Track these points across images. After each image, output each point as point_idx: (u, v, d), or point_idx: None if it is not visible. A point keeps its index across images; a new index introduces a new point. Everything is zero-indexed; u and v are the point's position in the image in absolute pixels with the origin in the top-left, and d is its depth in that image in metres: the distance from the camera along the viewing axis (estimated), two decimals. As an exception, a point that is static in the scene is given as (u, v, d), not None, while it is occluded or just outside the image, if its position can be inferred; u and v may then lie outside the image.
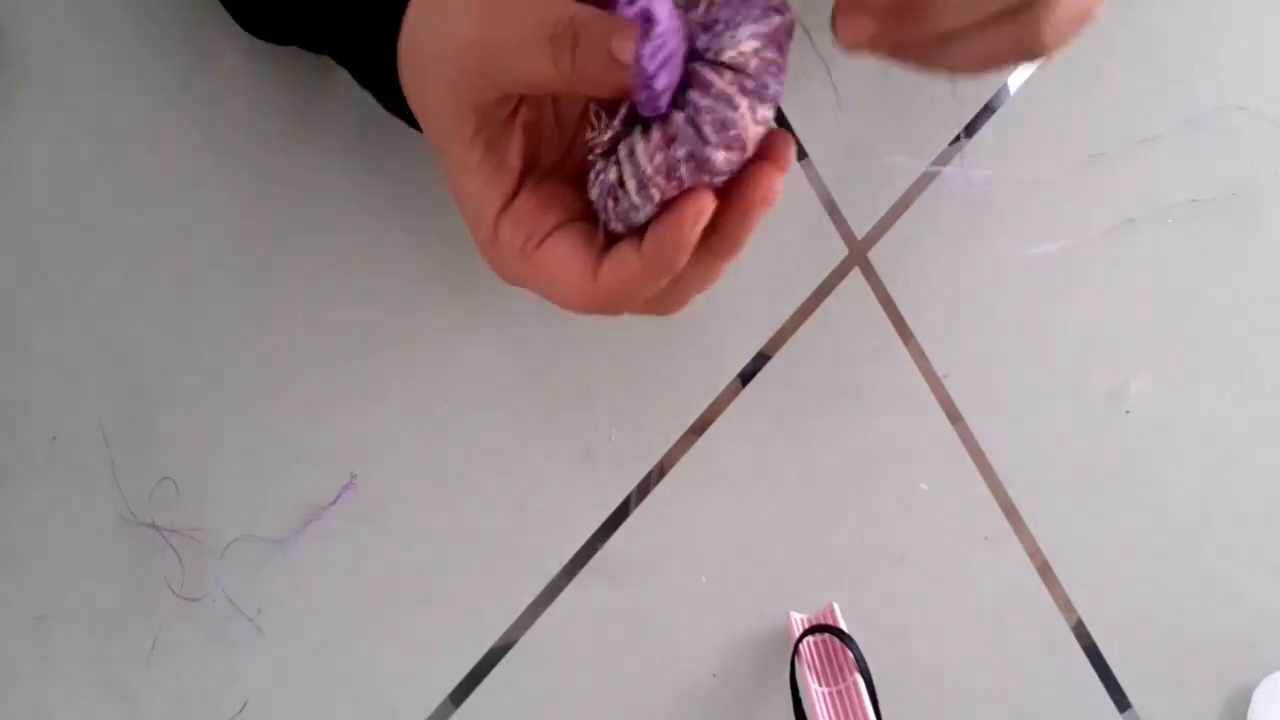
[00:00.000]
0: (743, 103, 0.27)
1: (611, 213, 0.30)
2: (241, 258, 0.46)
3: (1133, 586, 0.45)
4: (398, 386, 0.45)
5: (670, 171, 0.28)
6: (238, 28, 0.46)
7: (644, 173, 0.28)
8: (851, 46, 0.30)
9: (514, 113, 0.32)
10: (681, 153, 0.28)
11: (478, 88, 0.31)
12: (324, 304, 0.45)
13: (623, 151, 0.29)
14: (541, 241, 0.32)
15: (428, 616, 0.43)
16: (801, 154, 0.48)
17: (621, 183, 0.29)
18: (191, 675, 0.43)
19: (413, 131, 0.46)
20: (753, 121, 0.27)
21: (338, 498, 0.44)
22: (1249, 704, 0.43)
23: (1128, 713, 0.44)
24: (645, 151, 0.28)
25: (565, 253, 0.32)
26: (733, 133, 0.27)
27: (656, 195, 0.28)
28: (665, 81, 0.27)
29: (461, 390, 0.45)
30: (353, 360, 0.45)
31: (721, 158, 0.28)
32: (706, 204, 0.28)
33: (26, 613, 0.43)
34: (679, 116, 0.28)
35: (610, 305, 0.32)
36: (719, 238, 0.30)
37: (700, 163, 0.28)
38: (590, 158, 0.31)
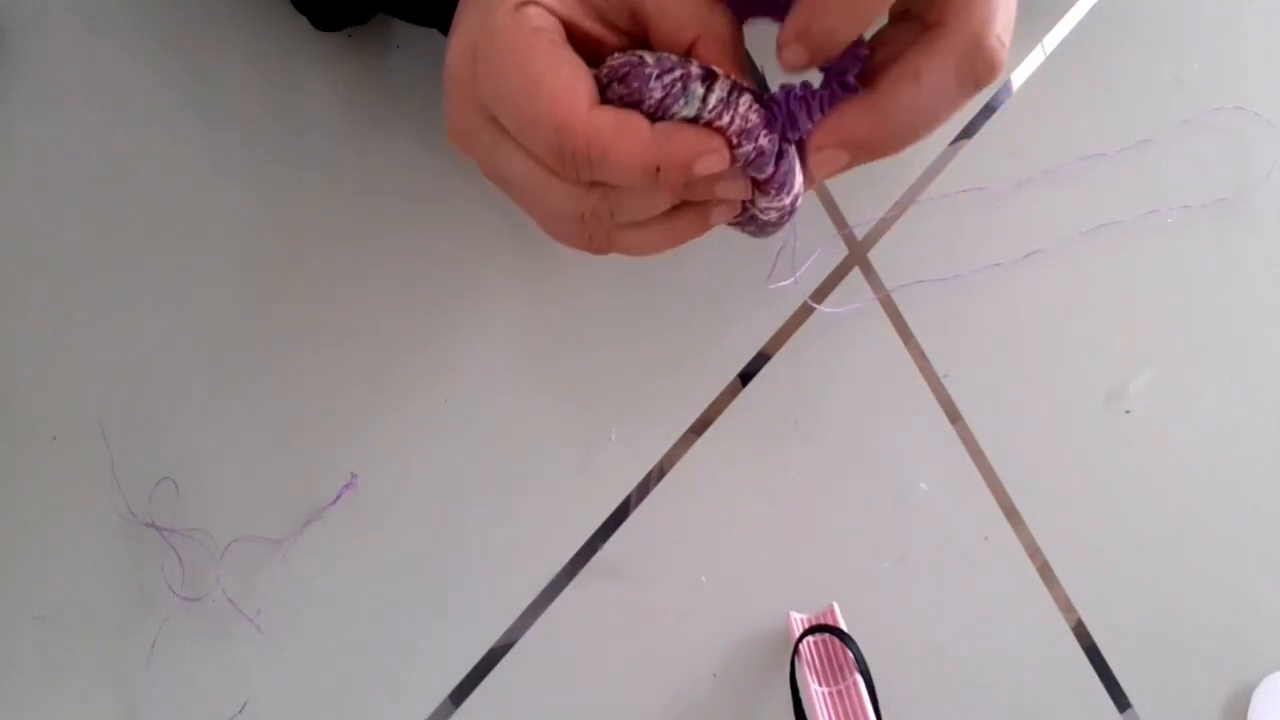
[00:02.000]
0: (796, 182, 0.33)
1: (628, 76, 0.30)
2: (242, 257, 0.46)
3: (1133, 586, 0.45)
4: (398, 386, 0.45)
5: (745, 130, 0.31)
6: (239, 27, 0.46)
7: (736, 107, 0.31)
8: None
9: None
10: (764, 140, 0.31)
11: None
12: (324, 303, 0.45)
13: (725, 82, 0.31)
14: (554, 43, 0.30)
15: (428, 616, 0.43)
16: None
17: (693, 81, 0.30)
18: (191, 675, 0.43)
19: (413, 131, 0.46)
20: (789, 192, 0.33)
21: (338, 498, 0.44)
22: (1249, 704, 0.43)
23: (1128, 713, 0.44)
24: (747, 102, 0.31)
25: (578, 68, 0.30)
26: (785, 181, 0.32)
27: (720, 118, 0.31)
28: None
29: (461, 390, 0.45)
30: (353, 360, 0.45)
31: (765, 166, 0.32)
32: (725, 163, 0.31)
33: (26, 613, 0.43)
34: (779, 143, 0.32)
35: (591, 139, 0.29)
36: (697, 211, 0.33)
37: (756, 150, 0.31)
38: (630, 54, 0.31)
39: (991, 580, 0.44)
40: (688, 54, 0.31)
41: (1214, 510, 0.45)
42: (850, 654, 0.41)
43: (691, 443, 0.45)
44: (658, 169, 0.30)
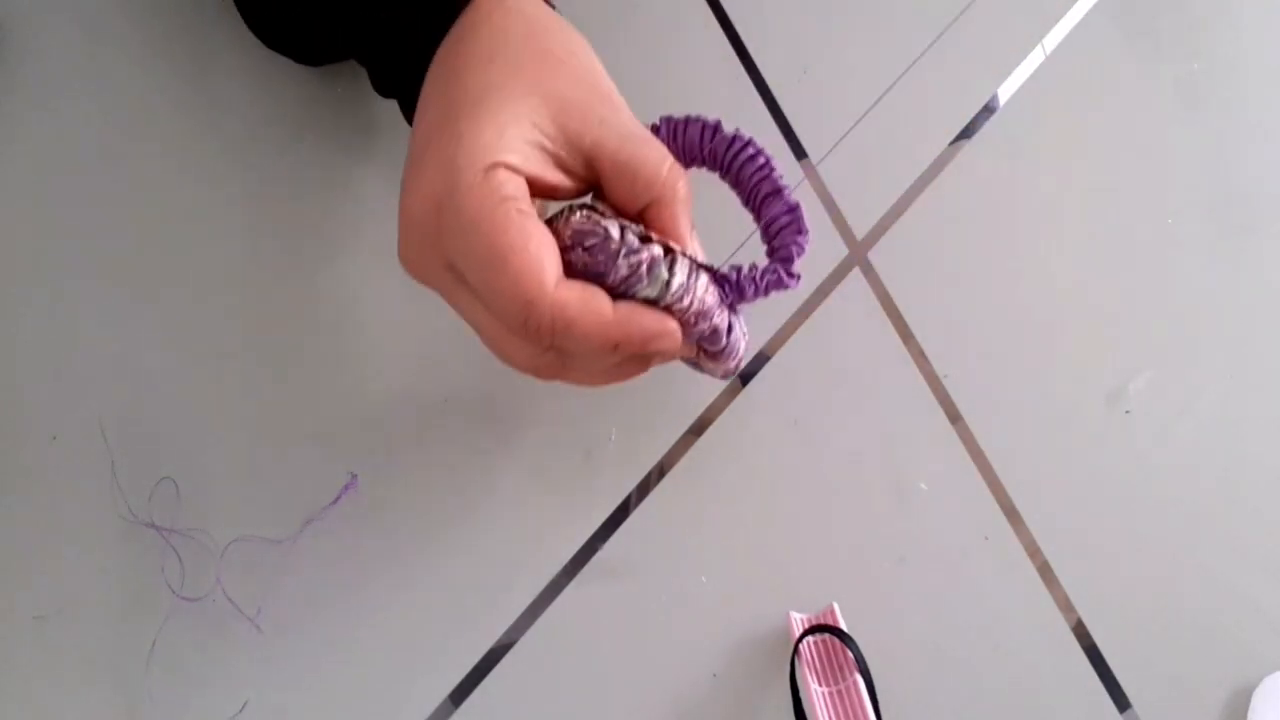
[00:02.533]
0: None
1: (594, 248, 0.32)
2: (242, 257, 0.46)
3: (1133, 586, 0.45)
4: (398, 386, 0.45)
5: (703, 311, 0.33)
6: (238, 29, 0.46)
7: (695, 289, 0.33)
8: None
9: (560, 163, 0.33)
10: (718, 319, 0.34)
11: (583, 123, 0.32)
12: (324, 303, 0.45)
13: (684, 262, 0.33)
14: (524, 212, 0.31)
15: (428, 616, 0.43)
16: (801, 153, 0.48)
17: (659, 265, 0.32)
18: (191, 675, 0.43)
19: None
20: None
21: (338, 498, 0.44)
22: (1249, 704, 0.43)
23: (1128, 713, 0.44)
24: (705, 284, 0.33)
25: (547, 241, 0.31)
26: (733, 350, 0.36)
27: (681, 301, 0.33)
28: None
29: (461, 390, 0.45)
30: (353, 360, 0.45)
31: (718, 341, 0.35)
32: (678, 345, 0.33)
33: (26, 613, 0.43)
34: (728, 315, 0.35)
35: (556, 316, 0.31)
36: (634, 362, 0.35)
37: (710, 329, 0.34)
38: (591, 214, 0.33)
39: (991, 580, 0.44)
40: (639, 215, 0.33)
41: (1214, 510, 0.45)
42: (850, 654, 0.41)
43: (691, 443, 0.45)
44: (616, 346, 0.32)
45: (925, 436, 0.45)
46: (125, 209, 0.46)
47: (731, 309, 0.35)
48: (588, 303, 0.31)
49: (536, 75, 0.32)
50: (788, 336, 0.46)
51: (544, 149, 0.32)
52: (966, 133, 0.48)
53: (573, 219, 0.32)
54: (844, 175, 0.48)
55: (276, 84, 0.46)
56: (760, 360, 0.46)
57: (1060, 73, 0.49)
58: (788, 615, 0.43)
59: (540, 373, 0.34)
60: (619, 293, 0.32)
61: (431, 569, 0.44)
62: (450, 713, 0.43)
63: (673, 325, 0.33)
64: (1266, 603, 0.44)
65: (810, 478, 0.45)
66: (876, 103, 0.49)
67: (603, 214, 0.33)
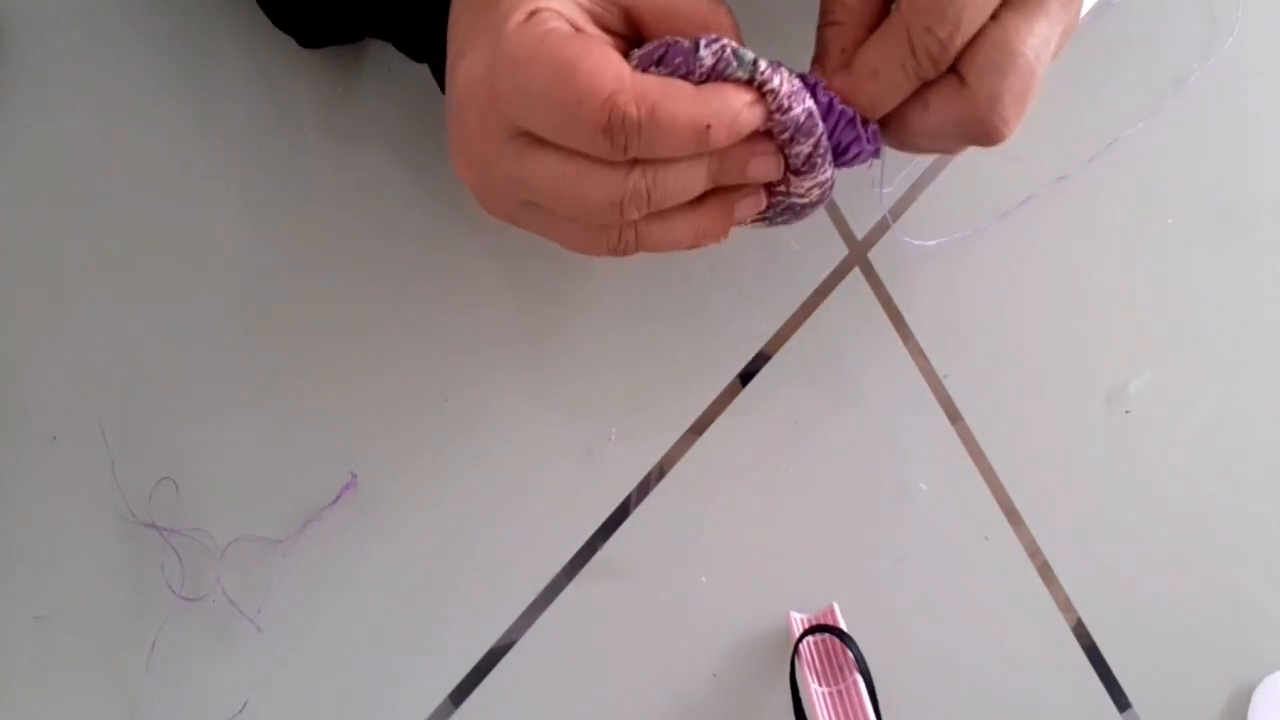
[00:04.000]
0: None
1: (667, 56, 0.31)
2: (242, 257, 0.46)
3: (1133, 586, 0.45)
4: (398, 386, 0.45)
5: (791, 95, 0.31)
6: (238, 28, 0.46)
7: (780, 75, 0.31)
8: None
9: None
10: (800, 112, 0.32)
11: None
12: (324, 303, 0.45)
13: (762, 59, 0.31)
14: (577, 35, 0.30)
15: (428, 616, 0.43)
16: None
17: (741, 50, 0.31)
18: (191, 675, 0.43)
19: (413, 131, 0.46)
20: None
21: (338, 498, 0.44)
22: (1249, 704, 0.43)
23: (1128, 713, 0.44)
24: (786, 75, 0.32)
25: (603, 47, 0.30)
26: (826, 152, 0.34)
27: (772, 80, 0.31)
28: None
29: (461, 390, 0.45)
30: (353, 360, 0.45)
31: (814, 129, 0.33)
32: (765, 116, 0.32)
33: (26, 613, 0.43)
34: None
35: (639, 101, 0.29)
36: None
37: (793, 125, 0.32)
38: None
39: (991, 580, 0.44)
40: None
41: (1214, 510, 0.45)
42: (850, 654, 0.41)
43: (691, 443, 0.45)
44: (708, 126, 0.30)
45: (925, 436, 0.45)
46: (125, 208, 0.46)
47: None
48: (667, 85, 0.30)
49: None
50: (788, 336, 0.46)
51: (581, 5, 0.31)
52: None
53: (633, 51, 0.32)
54: (844, 175, 0.48)
55: (278, 83, 0.46)
56: (760, 360, 0.46)
57: (1059, 72, 0.49)
58: (788, 615, 0.43)
59: (621, 234, 0.33)
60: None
61: (431, 569, 0.44)
62: (450, 713, 0.43)
63: (756, 95, 0.31)
64: (1266, 603, 0.44)
65: (810, 478, 0.45)
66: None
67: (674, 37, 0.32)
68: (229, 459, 0.44)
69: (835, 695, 0.41)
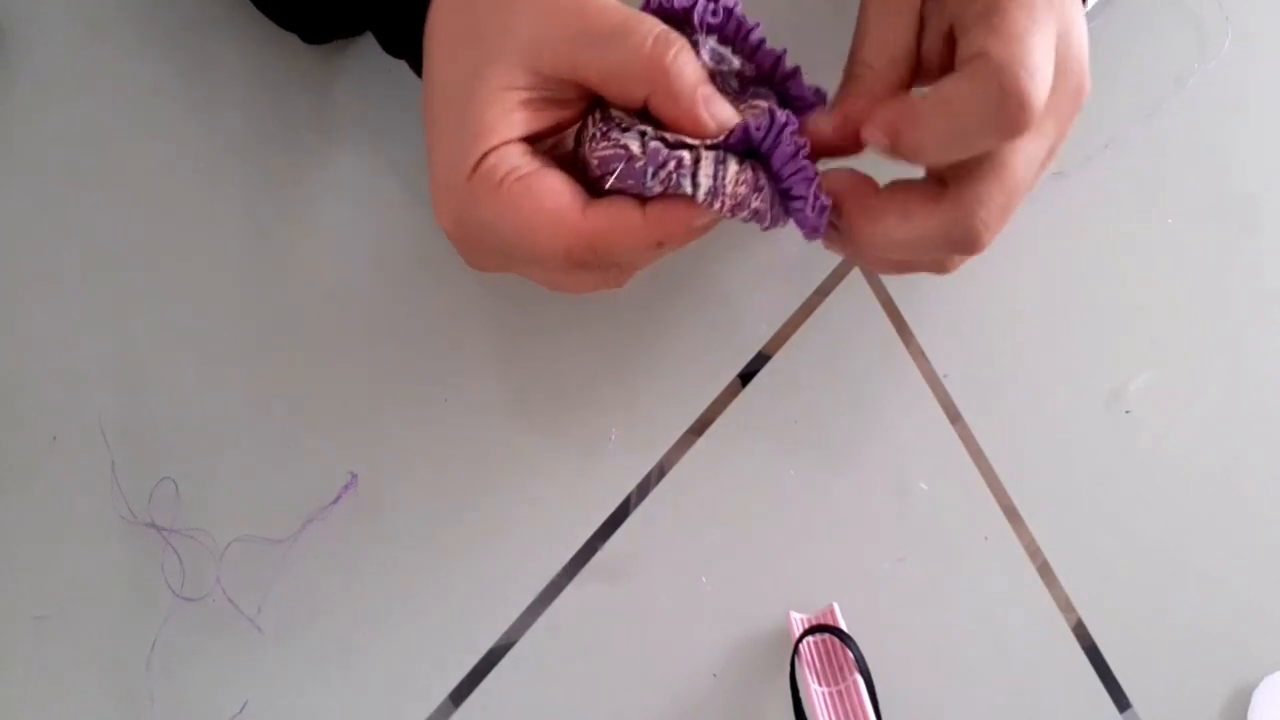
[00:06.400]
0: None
1: (621, 173, 0.32)
2: (242, 256, 0.46)
3: (1133, 586, 0.45)
4: (398, 386, 0.45)
5: (736, 204, 0.33)
6: (237, 27, 0.46)
7: (724, 188, 0.32)
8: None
9: (564, 103, 0.33)
10: (757, 202, 0.33)
11: (555, 54, 0.32)
12: (324, 303, 0.45)
13: (709, 157, 0.32)
14: (524, 176, 0.32)
15: (428, 616, 0.43)
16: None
17: (684, 166, 0.32)
18: (191, 675, 0.43)
19: (412, 131, 0.46)
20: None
21: (338, 498, 0.44)
22: (1249, 704, 0.43)
23: (1128, 713, 0.44)
24: (733, 176, 0.33)
25: (555, 183, 0.32)
26: (777, 221, 0.35)
27: (715, 205, 0.33)
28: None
29: (461, 390, 0.45)
30: (353, 360, 0.45)
31: (763, 221, 0.34)
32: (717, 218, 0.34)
33: (26, 613, 0.43)
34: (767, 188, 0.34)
35: (594, 244, 0.32)
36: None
37: (752, 213, 0.33)
38: (601, 125, 0.33)
39: (991, 580, 0.44)
40: (644, 108, 0.33)
41: (1214, 510, 0.45)
42: (850, 654, 0.41)
43: (691, 443, 0.45)
44: (659, 243, 0.33)
45: (925, 436, 0.45)
46: (125, 208, 0.46)
47: (771, 174, 0.34)
48: (618, 222, 0.33)
49: (501, 31, 0.32)
50: (788, 336, 0.46)
51: (528, 103, 0.33)
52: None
53: (596, 148, 0.33)
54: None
55: (279, 82, 0.46)
56: (760, 360, 0.46)
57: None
58: (788, 615, 0.43)
59: (610, 285, 0.36)
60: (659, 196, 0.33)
61: (431, 569, 0.44)
62: (450, 713, 0.43)
63: (704, 211, 0.33)
64: (1266, 603, 0.44)
65: (810, 478, 0.45)
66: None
67: (619, 121, 0.33)
68: (229, 459, 0.44)
69: (835, 695, 0.41)
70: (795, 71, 0.35)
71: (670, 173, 0.32)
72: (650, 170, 0.32)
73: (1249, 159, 0.48)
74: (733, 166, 0.32)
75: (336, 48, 0.47)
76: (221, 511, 0.44)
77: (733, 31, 0.34)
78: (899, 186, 0.34)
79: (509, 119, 0.32)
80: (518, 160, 0.32)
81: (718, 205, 0.32)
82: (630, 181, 0.32)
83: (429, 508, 0.44)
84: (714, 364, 0.46)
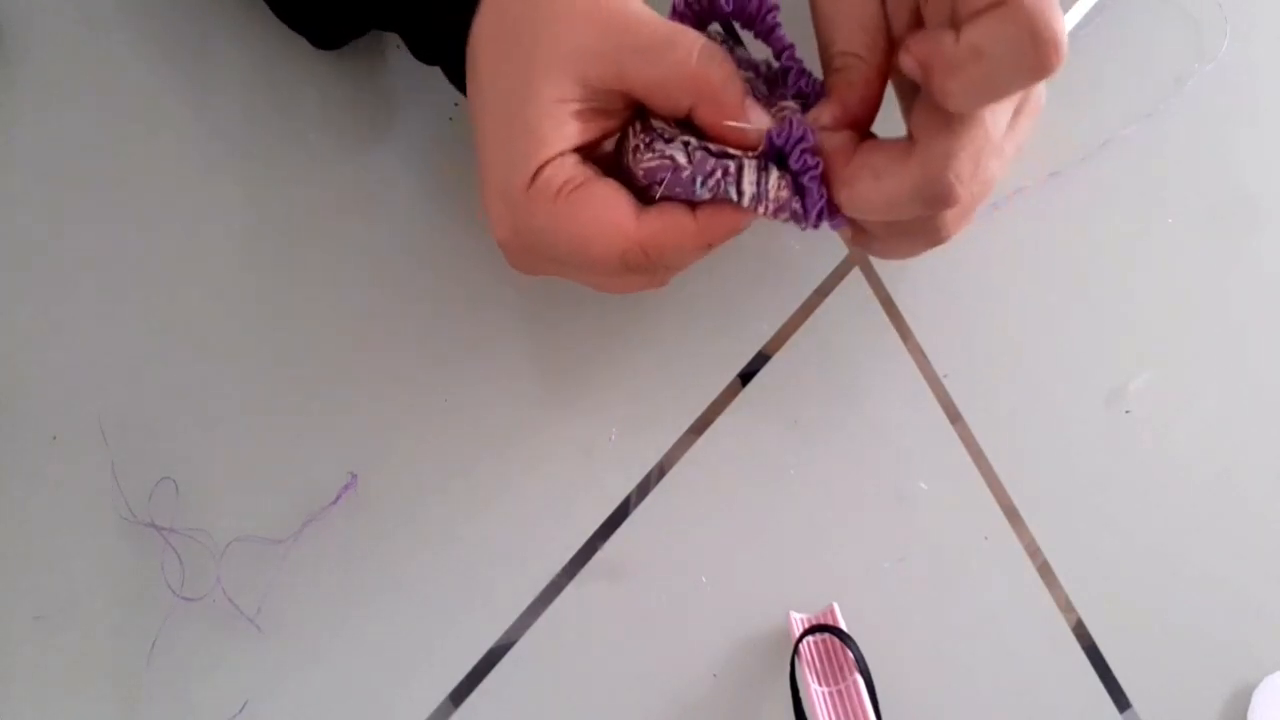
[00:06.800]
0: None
1: (669, 182, 0.34)
2: (242, 258, 0.46)
3: (1133, 586, 0.45)
4: (398, 387, 0.45)
5: (779, 207, 0.35)
6: (239, 27, 0.46)
7: (767, 194, 0.34)
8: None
9: (611, 113, 0.35)
10: (795, 205, 0.35)
11: (603, 65, 0.33)
12: (324, 304, 0.45)
13: (750, 165, 0.34)
14: (581, 185, 0.33)
15: (428, 616, 0.43)
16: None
17: (730, 175, 0.34)
18: (191, 675, 0.43)
19: (413, 132, 0.46)
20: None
21: (338, 498, 0.44)
22: (1249, 704, 0.43)
23: (1128, 713, 0.44)
24: (774, 182, 0.34)
25: (610, 192, 0.34)
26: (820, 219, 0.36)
27: (760, 209, 0.35)
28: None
29: (461, 390, 0.45)
30: (353, 360, 0.45)
31: (798, 219, 0.36)
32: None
33: (26, 613, 0.43)
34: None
35: (649, 249, 0.34)
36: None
37: (790, 214, 0.35)
38: (643, 135, 0.35)
39: (991, 580, 0.44)
40: (687, 117, 0.34)
41: (1214, 510, 0.45)
42: (850, 654, 0.41)
43: (691, 443, 0.45)
44: (708, 245, 0.35)
45: (925, 436, 0.45)
46: (125, 208, 0.46)
47: (805, 182, 0.35)
48: (671, 227, 0.34)
49: (550, 45, 0.33)
50: (788, 336, 0.46)
51: (579, 115, 0.34)
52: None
53: (641, 159, 0.34)
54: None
55: (280, 82, 0.46)
56: (760, 360, 0.46)
57: (1059, 74, 0.49)
58: (788, 615, 0.43)
59: (655, 285, 0.38)
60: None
61: (431, 569, 0.44)
62: (450, 713, 0.43)
63: (750, 214, 0.35)
64: (1266, 603, 0.44)
65: (810, 478, 0.45)
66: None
67: (660, 132, 0.34)
68: (229, 459, 0.44)
69: (835, 695, 0.41)
70: (799, 64, 0.36)
71: (718, 181, 0.34)
72: (699, 179, 0.34)
73: (1248, 159, 0.48)
74: (774, 173, 0.34)
75: (339, 50, 0.47)
76: (221, 511, 0.44)
77: (754, 8, 0.35)
78: (868, 148, 0.34)
79: (562, 131, 0.33)
80: (573, 170, 0.34)
81: (762, 209, 0.34)
82: (678, 190, 0.34)
83: (429, 508, 0.44)
84: (714, 364, 0.46)
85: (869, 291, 0.47)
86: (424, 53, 0.40)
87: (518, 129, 0.33)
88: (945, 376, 0.46)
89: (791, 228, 0.36)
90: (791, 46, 0.36)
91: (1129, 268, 0.47)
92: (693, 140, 0.34)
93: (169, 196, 0.46)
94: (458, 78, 0.38)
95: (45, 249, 0.45)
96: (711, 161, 0.34)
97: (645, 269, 0.35)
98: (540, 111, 0.33)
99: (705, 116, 0.34)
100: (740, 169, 0.34)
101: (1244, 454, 0.46)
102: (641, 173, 0.34)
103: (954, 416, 0.46)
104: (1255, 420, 0.46)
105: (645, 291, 0.39)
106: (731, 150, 0.34)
